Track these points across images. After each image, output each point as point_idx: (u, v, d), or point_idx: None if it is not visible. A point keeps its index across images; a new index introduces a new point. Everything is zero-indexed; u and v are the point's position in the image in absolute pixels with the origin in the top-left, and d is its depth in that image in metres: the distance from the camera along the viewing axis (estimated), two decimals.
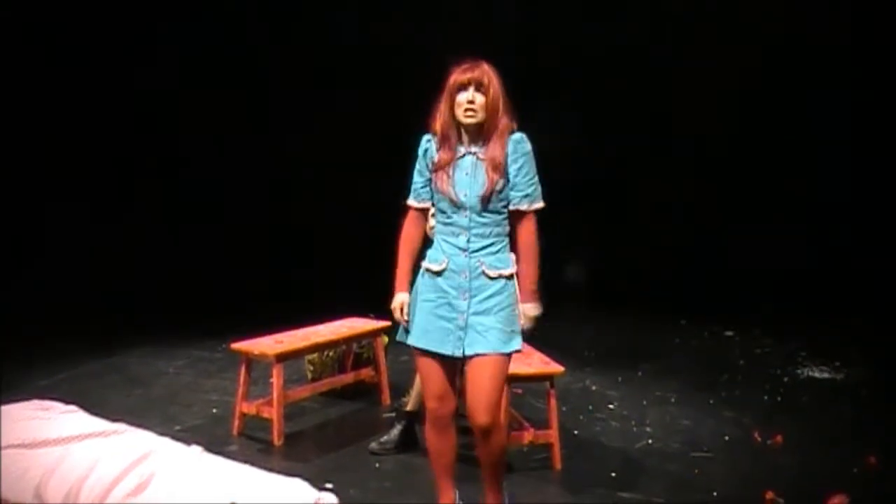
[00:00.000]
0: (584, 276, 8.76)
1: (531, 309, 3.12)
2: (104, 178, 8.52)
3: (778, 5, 8.39)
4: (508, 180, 3.09)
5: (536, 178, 3.14)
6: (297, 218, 9.39)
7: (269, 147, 9.37)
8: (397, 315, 3.26)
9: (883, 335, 7.00)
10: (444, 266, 3.12)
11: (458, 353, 3.08)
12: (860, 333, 7.12)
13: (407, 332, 3.24)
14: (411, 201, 3.29)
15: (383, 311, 5.34)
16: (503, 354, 3.08)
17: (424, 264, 3.20)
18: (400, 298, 3.24)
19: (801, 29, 8.35)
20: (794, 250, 8.38)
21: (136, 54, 8.58)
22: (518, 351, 3.15)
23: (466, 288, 3.08)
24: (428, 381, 3.20)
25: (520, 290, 3.12)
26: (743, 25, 8.61)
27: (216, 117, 8.93)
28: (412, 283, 3.26)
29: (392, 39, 8.98)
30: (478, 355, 3.06)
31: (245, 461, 2.78)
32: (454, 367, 3.18)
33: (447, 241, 3.14)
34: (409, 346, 3.24)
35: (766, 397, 5.57)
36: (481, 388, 3.05)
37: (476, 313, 3.07)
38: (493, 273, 3.08)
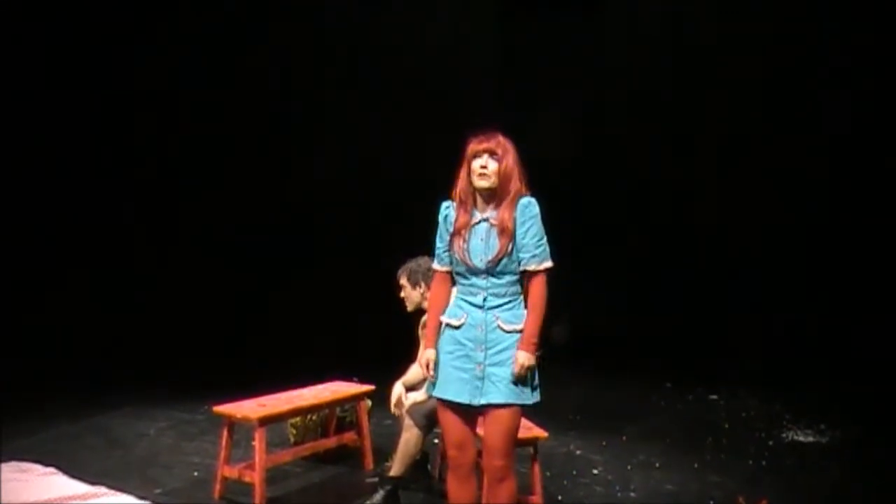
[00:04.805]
0: (569, 338, 8.76)
1: (523, 357, 3.24)
2: (82, 242, 8.49)
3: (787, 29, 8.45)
4: (517, 242, 3.28)
5: (545, 239, 3.33)
6: (281, 280, 9.39)
7: (249, 208, 9.40)
8: (424, 370, 3.44)
9: (867, 397, 7.02)
10: (462, 321, 3.33)
11: (475, 402, 3.26)
12: (844, 395, 7.13)
13: (434, 385, 3.41)
14: (436, 265, 3.53)
15: (367, 374, 5.39)
16: (517, 405, 3.27)
17: (444, 319, 3.41)
18: (427, 354, 3.42)
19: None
20: (780, 310, 8.43)
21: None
22: (535, 403, 3.31)
23: (483, 341, 3.28)
24: (448, 430, 3.38)
25: (520, 338, 3.27)
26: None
27: (191, 181, 9.00)
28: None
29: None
30: (493, 405, 3.24)
31: None
32: (474, 416, 3.35)
33: (465, 300, 3.35)
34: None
35: (750, 461, 5.55)
36: (497, 433, 3.26)
37: (492, 364, 3.26)
38: (508, 327, 3.29)
